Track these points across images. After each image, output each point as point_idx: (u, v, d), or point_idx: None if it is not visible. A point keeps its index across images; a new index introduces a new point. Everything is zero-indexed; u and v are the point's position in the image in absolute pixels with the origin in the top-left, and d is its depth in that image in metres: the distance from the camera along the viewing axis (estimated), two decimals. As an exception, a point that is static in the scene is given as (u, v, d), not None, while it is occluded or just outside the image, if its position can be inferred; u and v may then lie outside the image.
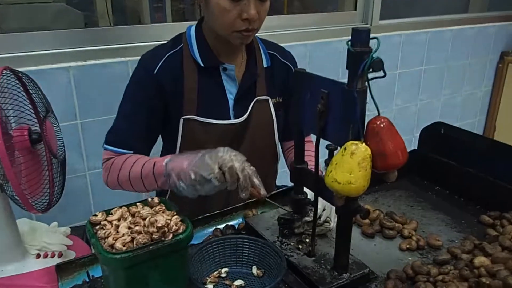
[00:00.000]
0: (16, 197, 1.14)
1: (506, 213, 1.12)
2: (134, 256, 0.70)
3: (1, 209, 1.17)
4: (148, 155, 1.22)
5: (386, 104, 2.80)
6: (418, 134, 1.44)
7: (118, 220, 0.78)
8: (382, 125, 0.75)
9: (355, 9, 2.55)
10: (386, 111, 2.81)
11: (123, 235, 0.73)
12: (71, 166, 1.85)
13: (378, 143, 0.75)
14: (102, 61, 1.79)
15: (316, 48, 2.32)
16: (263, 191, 0.95)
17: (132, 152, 1.17)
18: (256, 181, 0.93)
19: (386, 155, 0.75)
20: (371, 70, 0.72)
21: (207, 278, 0.92)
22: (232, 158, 0.91)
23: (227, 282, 0.92)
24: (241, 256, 0.96)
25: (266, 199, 1.02)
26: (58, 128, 1.42)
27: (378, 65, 0.71)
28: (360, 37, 0.72)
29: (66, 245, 1.36)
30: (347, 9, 2.62)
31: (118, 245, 0.71)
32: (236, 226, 1.15)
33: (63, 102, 1.76)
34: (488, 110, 3.47)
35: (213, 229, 1.15)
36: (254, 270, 0.95)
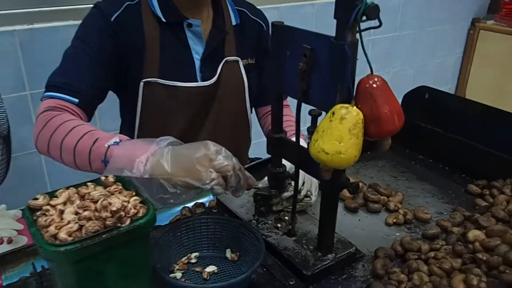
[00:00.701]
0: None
1: (495, 182, 1.05)
2: (83, 247, 0.58)
3: None
4: (93, 111, 1.03)
5: (359, 72, 2.72)
6: (400, 101, 1.35)
7: (64, 204, 0.65)
8: (375, 85, 0.64)
9: (328, -29, 2.42)
10: (358, 79, 2.73)
11: (69, 222, 0.60)
12: (21, 142, 1.69)
13: (372, 106, 0.64)
14: (52, 24, 1.62)
15: (288, 11, 2.19)
16: (253, 181, 0.79)
17: (77, 100, 0.95)
18: (247, 173, 0.77)
19: (381, 119, 0.64)
20: (364, 18, 0.60)
21: (175, 265, 0.81)
22: (225, 155, 0.73)
23: (197, 269, 0.81)
24: (213, 239, 0.85)
25: None
26: (0, 99, 1.25)
27: (374, 11, 0.59)
28: (350, -22, 0.60)
29: (17, 230, 1.22)
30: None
31: (62, 235, 0.58)
32: (207, 204, 1.04)
33: (8, 71, 1.59)
34: (458, 77, 3.45)
35: (180, 208, 1.03)
36: (228, 253, 0.84)
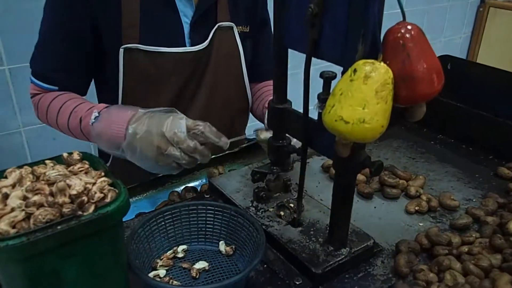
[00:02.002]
0: None
1: (530, 164, 0.91)
2: (30, 242, 0.44)
3: None
4: (81, 90, 0.99)
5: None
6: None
7: (13, 187, 0.51)
8: (409, 35, 0.50)
9: None
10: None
11: (13, 210, 0.46)
12: (1, 121, 1.56)
13: (404, 61, 0.50)
14: (29, -10, 1.46)
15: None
16: (223, 141, 0.74)
17: (57, 88, 0.95)
18: (211, 136, 0.73)
19: (416, 79, 0.50)
20: None
21: (158, 260, 0.68)
22: (183, 134, 0.72)
23: (185, 265, 0.67)
24: (204, 229, 0.72)
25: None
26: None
27: None
28: None
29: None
30: None
31: (3, 226, 0.45)
32: (198, 189, 0.91)
33: (-18, 44, 1.44)
34: (466, 57, 3.32)
35: (169, 192, 0.90)
36: (222, 246, 0.71)
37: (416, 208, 0.82)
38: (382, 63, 0.49)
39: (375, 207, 0.84)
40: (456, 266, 0.66)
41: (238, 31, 1.02)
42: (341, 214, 0.65)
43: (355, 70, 0.49)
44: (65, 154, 0.57)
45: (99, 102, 1.11)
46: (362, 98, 0.48)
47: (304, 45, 0.58)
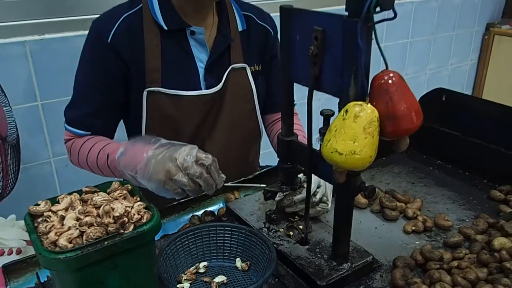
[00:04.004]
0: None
1: (520, 187, 0.99)
2: (83, 255, 0.55)
3: None
4: (111, 132, 1.10)
5: (371, 78, 2.69)
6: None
7: (66, 210, 0.62)
8: (391, 81, 0.61)
9: (339, -23, 2.40)
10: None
11: (69, 228, 0.57)
12: (33, 152, 1.69)
13: (387, 103, 0.60)
14: (62, 34, 1.62)
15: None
16: (220, 178, 0.84)
17: (89, 133, 1.05)
18: (213, 170, 0.82)
19: (398, 117, 0.60)
20: (378, 9, 0.57)
21: (182, 275, 0.77)
22: (192, 160, 0.80)
23: (206, 279, 0.77)
24: (222, 248, 0.82)
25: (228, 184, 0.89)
26: (9, 108, 1.24)
27: (389, 1, 0.56)
28: (363, -33, 0.57)
29: (26, 240, 1.20)
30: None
31: (62, 241, 0.55)
32: (216, 212, 1.01)
33: (19, 82, 1.59)
34: (474, 83, 3.39)
35: (189, 216, 1.00)
36: (238, 263, 0.80)
37: (413, 228, 0.90)
38: (369, 105, 0.60)
39: (376, 228, 0.93)
40: (446, 279, 0.74)
41: (250, 71, 1.14)
42: (342, 232, 0.75)
43: (346, 111, 0.60)
44: (115, 183, 0.68)
45: (128, 137, 1.24)
46: (353, 134, 0.59)
47: (307, 80, 0.68)
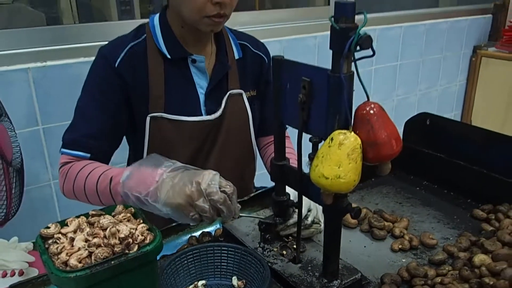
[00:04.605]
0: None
1: (500, 206, 1.05)
2: (92, 274, 0.59)
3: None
4: (109, 157, 1.11)
5: (362, 100, 2.76)
6: (402, 128, 1.37)
7: (74, 232, 0.67)
8: (372, 111, 0.67)
9: (328, 4, 2.50)
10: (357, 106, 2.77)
11: (79, 249, 0.62)
12: (34, 175, 1.73)
13: (369, 131, 0.66)
14: (64, 61, 1.68)
15: (291, 44, 2.25)
16: (238, 208, 0.84)
17: (89, 155, 1.05)
18: (234, 200, 0.82)
19: (379, 144, 0.66)
20: (358, 48, 0.63)
21: (182, 293, 0.82)
22: (216, 187, 0.80)
23: (204, 297, 0.82)
24: (219, 267, 0.86)
25: (241, 214, 0.89)
26: (14, 133, 1.29)
27: (367, 42, 0.62)
28: (344, 11, 0.64)
29: (28, 262, 1.24)
30: (319, 4, 2.57)
31: (73, 261, 0.60)
32: (213, 233, 1.05)
33: (22, 107, 1.64)
34: (463, 104, 3.48)
35: (188, 237, 1.05)
36: (235, 281, 0.85)
37: (400, 246, 0.95)
38: (352, 133, 0.66)
39: (365, 246, 0.98)
40: (430, 294, 0.79)
41: (246, 96, 1.20)
42: (332, 251, 0.80)
43: (332, 139, 0.66)
44: (119, 207, 0.73)
45: (128, 158, 1.29)
46: (337, 160, 0.65)
47: (296, 123, 0.75)
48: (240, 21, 2.10)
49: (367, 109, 0.67)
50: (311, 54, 2.32)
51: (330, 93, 0.68)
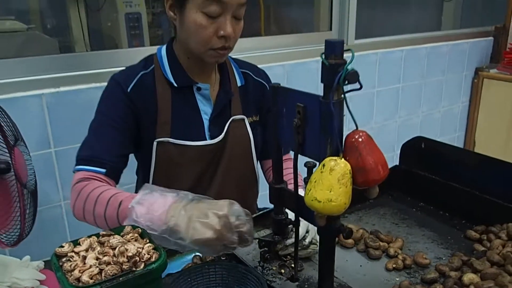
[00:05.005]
0: (-18, 231, 1.08)
1: (492, 227, 1.09)
2: (103, 289, 0.65)
3: (-34, 245, 1.10)
4: (120, 174, 1.16)
5: (366, 121, 2.81)
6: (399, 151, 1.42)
7: (86, 250, 0.73)
8: (360, 139, 0.72)
9: (331, 29, 2.58)
10: (366, 128, 2.78)
11: (91, 266, 0.68)
12: (45, 196, 1.79)
13: (358, 158, 0.72)
14: (76, 87, 1.76)
15: (294, 68, 2.32)
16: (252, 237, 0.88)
17: (105, 170, 1.09)
18: (251, 227, 0.86)
19: (366, 170, 0.72)
20: (346, 82, 0.69)
21: (185, 309, 0.87)
22: (246, 219, 0.84)
23: (206, 313, 0.86)
24: (221, 284, 0.91)
25: None
26: (29, 157, 1.36)
27: (354, 77, 0.68)
28: (334, 49, 0.70)
29: (39, 280, 1.29)
30: (323, 29, 2.65)
31: (85, 278, 0.66)
32: (217, 252, 1.10)
33: (36, 130, 1.71)
34: (466, 125, 3.52)
35: (192, 256, 1.09)
36: (235, 298, 0.90)
37: (394, 266, 1.00)
38: (342, 159, 0.71)
39: (361, 266, 1.02)
40: (420, 311, 0.83)
41: (248, 121, 1.27)
42: (326, 269, 0.84)
43: (324, 165, 0.71)
44: (127, 227, 0.79)
45: (137, 176, 1.35)
46: (329, 184, 0.70)
47: (293, 146, 0.80)
48: (245, 47, 2.18)
49: (356, 137, 0.73)
50: (314, 78, 2.39)
51: (322, 118, 0.73)
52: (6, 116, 1.26)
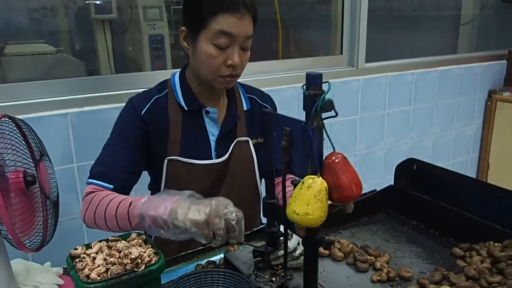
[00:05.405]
0: (9, 237, 1.20)
1: (476, 245, 1.16)
2: (108, 285, 0.76)
3: (-4, 249, 1.22)
4: (129, 190, 1.27)
5: (376, 142, 2.87)
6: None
7: (96, 253, 0.84)
8: (336, 161, 0.82)
9: (341, 53, 2.68)
10: (376, 149, 2.87)
11: (99, 266, 0.79)
12: (67, 208, 1.91)
13: (333, 177, 0.81)
14: (99, 107, 1.90)
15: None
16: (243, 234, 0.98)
17: (112, 186, 1.20)
18: (242, 224, 0.96)
19: (341, 188, 0.81)
20: (323, 110, 0.79)
21: (183, 310, 0.96)
22: (234, 211, 0.94)
23: (202, 314, 0.96)
24: (217, 289, 1.01)
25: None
26: (53, 171, 1.49)
27: (329, 106, 0.78)
28: (313, 81, 0.80)
29: (58, 285, 1.40)
30: (335, 53, 2.75)
31: (93, 275, 0.77)
32: (218, 262, 1.20)
33: (60, 147, 1.85)
34: (480, 147, 3.53)
35: (195, 264, 1.20)
36: (229, 302, 0.99)
37: (378, 278, 1.07)
38: (319, 178, 0.81)
39: (348, 277, 1.10)
40: (396, 319, 0.91)
41: (253, 143, 1.38)
42: (310, 277, 0.93)
43: (303, 182, 0.81)
44: (133, 234, 0.90)
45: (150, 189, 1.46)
46: (307, 200, 0.80)
47: (282, 165, 0.91)
48: (261, 69, 2.30)
49: (333, 158, 0.82)
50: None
51: (304, 141, 0.83)
52: (33, 133, 1.40)
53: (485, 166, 3.50)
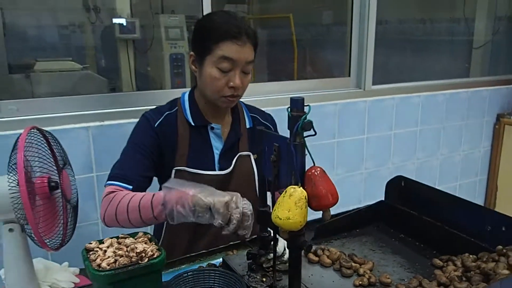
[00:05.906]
0: (33, 235, 1.35)
1: (454, 256, 1.25)
2: (115, 274, 0.89)
3: (21, 248, 1.36)
4: (145, 190, 1.40)
5: (383, 162, 2.96)
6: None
7: (107, 247, 0.98)
8: (316, 173, 0.94)
9: (349, 75, 2.81)
10: (382, 169, 2.97)
11: (109, 257, 0.92)
12: (85, 214, 2.06)
13: (313, 187, 0.93)
14: (117, 121, 2.07)
15: (314, 110, 2.53)
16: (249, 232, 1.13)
17: (132, 187, 1.32)
18: (250, 220, 1.11)
19: (319, 197, 0.93)
20: (304, 129, 0.92)
21: (182, 303, 1.09)
22: (249, 204, 1.10)
23: (198, 307, 1.08)
24: (212, 286, 1.13)
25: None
26: (74, 178, 1.65)
27: (308, 126, 0.91)
28: (296, 104, 0.94)
29: (74, 283, 1.53)
30: (343, 75, 2.88)
31: (104, 264, 0.90)
32: (218, 264, 1.32)
33: (82, 157, 2.02)
34: (488, 169, 3.57)
35: (198, 266, 1.32)
36: (223, 297, 1.11)
37: (359, 282, 1.18)
38: (300, 188, 0.93)
39: (333, 281, 1.21)
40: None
41: (254, 158, 1.51)
42: (294, 277, 1.05)
43: (285, 191, 0.94)
44: (140, 233, 1.04)
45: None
46: (288, 206, 0.92)
47: (271, 176, 1.03)
48: (271, 90, 2.45)
49: (312, 171, 0.95)
50: (332, 119, 2.61)
51: (288, 156, 0.96)
52: (58, 144, 1.56)
53: (494, 188, 3.54)
